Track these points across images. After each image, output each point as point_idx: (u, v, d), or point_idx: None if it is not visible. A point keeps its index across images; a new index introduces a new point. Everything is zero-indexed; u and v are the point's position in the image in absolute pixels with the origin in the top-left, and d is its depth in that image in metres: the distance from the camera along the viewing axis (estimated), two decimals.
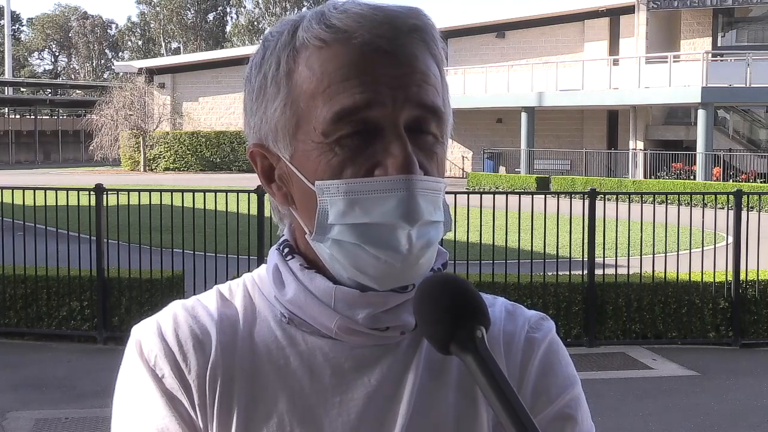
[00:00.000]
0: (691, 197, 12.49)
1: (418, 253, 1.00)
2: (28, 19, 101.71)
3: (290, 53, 1.03)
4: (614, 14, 36.71)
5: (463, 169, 38.37)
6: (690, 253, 9.88)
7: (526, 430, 0.87)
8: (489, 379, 0.90)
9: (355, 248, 1.00)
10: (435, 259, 1.06)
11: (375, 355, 1.06)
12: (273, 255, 1.10)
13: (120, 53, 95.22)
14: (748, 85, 28.59)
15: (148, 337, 1.07)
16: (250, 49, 46.86)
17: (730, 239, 9.56)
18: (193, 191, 9.63)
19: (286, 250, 1.09)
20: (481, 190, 21.51)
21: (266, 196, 1.14)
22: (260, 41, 1.10)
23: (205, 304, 1.11)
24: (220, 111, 43.62)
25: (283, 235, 1.12)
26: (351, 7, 1.01)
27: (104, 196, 9.27)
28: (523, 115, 32.68)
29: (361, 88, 0.99)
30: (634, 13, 35.42)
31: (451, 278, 0.97)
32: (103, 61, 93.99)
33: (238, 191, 11.26)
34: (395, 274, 1.00)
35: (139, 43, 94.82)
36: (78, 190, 9.81)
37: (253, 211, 9.16)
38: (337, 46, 1.01)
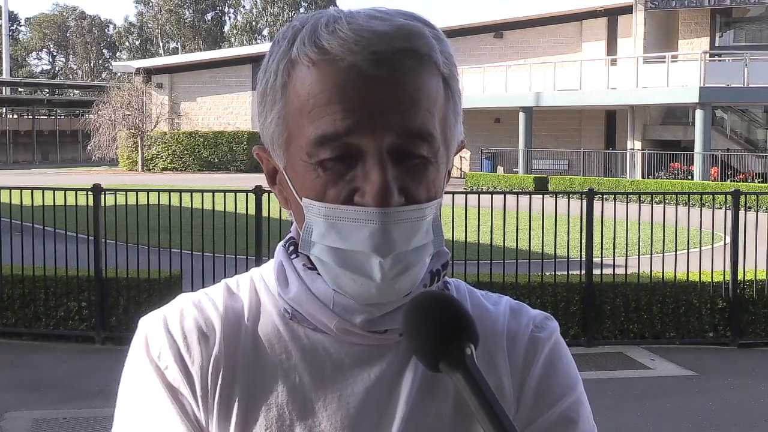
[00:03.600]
0: (688, 197, 12.50)
1: (393, 280, 1.00)
2: (26, 18, 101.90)
3: (286, 65, 1.03)
4: (612, 14, 36.70)
5: (461, 169, 38.35)
6: (688, 253, 9.88)
7: None
8: (478, 396, 0.91)
9: (333, 268, 1.02)
10: (437, 260, 1.08)
11: (375, 352, 1.08)
12: (279, 252, 1.12)
13: (118, 53, 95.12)
14: (745, 85, 28.60)
15: (154, 330, 1.09)
16: (248, 49, 46.77)
17: (728, 239, 9.56)
18: (191, 191, 9.63)
19: (291, 248, 1.11)
20: (479, 190, 21.51)
21: (271, 195, 1.16)
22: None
23: (211, 297, 1.12)
24: (218, 111, 43.57)
25: (290, 231, 1.14)
26: (340, 27, 0.99)
27: (102, 196, 9.27)
28: (521, 115, 32.66)
29: (342, 114, 0.98)
30: (632, 13, 35.42)
31: (439, 296, 0.99)
32: (100, 61, 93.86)
33: (236, 191, 11.26)
34: (372, 296, 1.02)
35: (137, 43, 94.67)
36: (76, 190, 9.78)
37: (251, 211, 9.16)
38: (325, 67, 1.00)
